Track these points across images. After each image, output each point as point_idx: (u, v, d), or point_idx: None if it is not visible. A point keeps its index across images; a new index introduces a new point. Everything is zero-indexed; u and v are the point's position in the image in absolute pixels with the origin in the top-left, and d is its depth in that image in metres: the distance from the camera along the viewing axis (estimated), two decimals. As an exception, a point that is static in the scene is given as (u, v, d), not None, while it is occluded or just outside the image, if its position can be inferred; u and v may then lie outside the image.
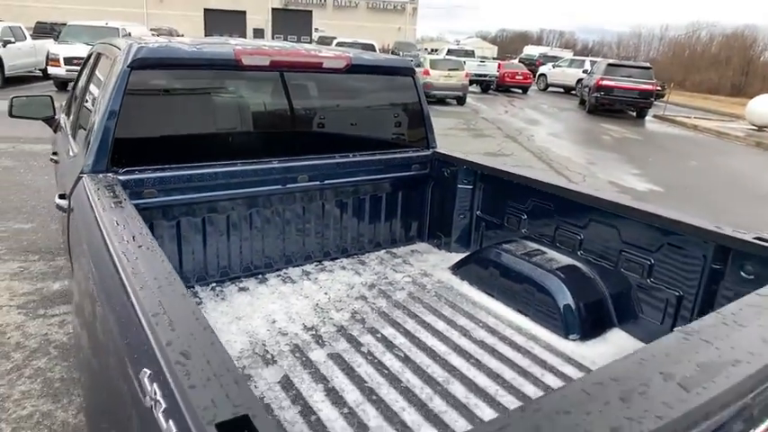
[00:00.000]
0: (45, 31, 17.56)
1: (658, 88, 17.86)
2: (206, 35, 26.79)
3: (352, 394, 1.68)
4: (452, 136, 10.50)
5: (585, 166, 8.76)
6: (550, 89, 24.28)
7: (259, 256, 2.50)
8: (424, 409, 1.64)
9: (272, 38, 28.65)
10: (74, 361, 2.57)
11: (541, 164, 8.62)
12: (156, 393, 0.79)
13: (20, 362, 2.58)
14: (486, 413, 1.63)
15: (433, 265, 2.73)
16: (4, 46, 12.38)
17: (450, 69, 15.70)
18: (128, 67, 2.00)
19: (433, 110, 12.81)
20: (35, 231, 4.23)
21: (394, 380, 1.76)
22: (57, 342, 2.76)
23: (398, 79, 2.81)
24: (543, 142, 10.68)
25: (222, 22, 29.64)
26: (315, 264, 2.67)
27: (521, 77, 21.52)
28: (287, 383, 1.72)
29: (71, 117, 2.97)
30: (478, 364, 1.88)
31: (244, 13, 31.46)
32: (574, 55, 31.77)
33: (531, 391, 1.74)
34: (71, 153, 2.38)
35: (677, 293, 1.91)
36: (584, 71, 20.52)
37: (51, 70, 12.13)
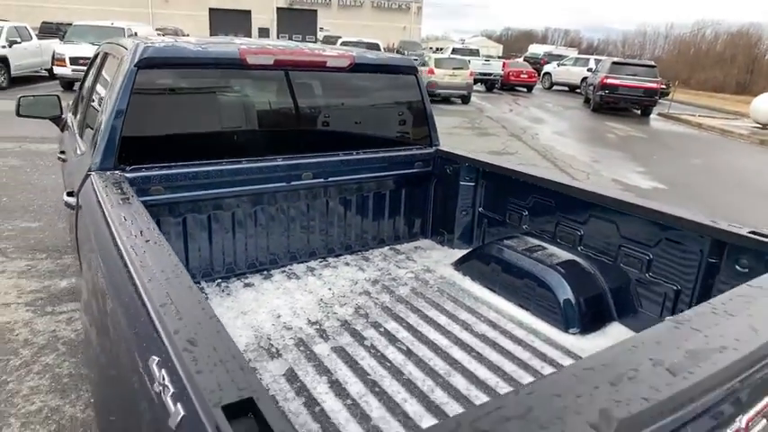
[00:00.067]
0: (51, 30, 17.66)
1: (663, 86, 17.81)
2: (211, 35, 26.89)
3: (355, 386, 1.71)
4: (457, 135, 10.52)
5: (590, 164, 8.76)
6: (555, 88, 24.22)
7: (264, 252, 2.53)
8: (426, 400, 1.66)
9: (277, 37, 28.73)
10: (82, 358, 2.61)
11: (546, 162, 8.62)
12: (164, 379, 0.82)
13: (28, 358, 2.62)
14: None
15: (436, 261, 2.76)
16: (10, 46, 12.48)
17: (454, 68, 15.70)
18: (135, 66, 2.03)
19: (437, 109, 12.78)
20: (42, 230, 4.28)
21: (396, 372, 1.79)
22: (64, 339, 2.80)
23: (401, 78, 2.84)
24: (548, 141, 10.68)
25: (227, 21, 29.76)
26: (319, 260, 2.70)
27: (525, 76, 21.48)
28: (291, 376, 1.75)
29: (78, 116, 3.01)
30: (479, 357, 1.90)
31: (249, 12, 31.58)
32: (579, 53, 31.68)
33: None
34: (79, 151, 2.42)
35: (675, 288, 1.93)
36: (589, 69, 20.48)
37: (57, 70, 12.22)
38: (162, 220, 2.18)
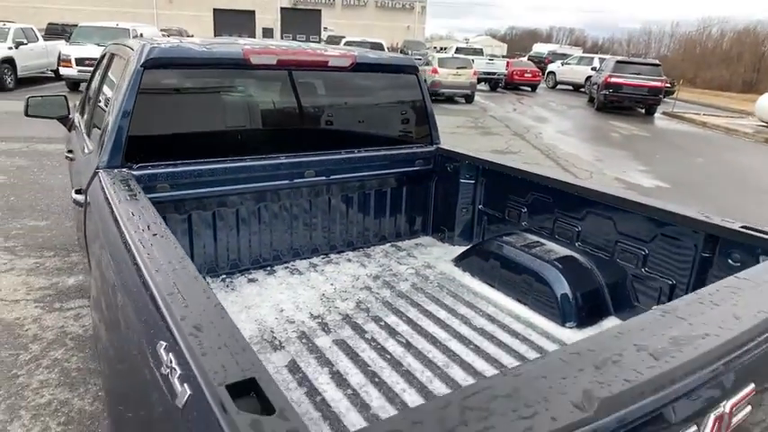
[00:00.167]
0: (57, 32, 17.79)
1: (667, 85, 17.74)
2: (215, 35, 27.00)
3: (355, 377, 1.75)
4: (460, 134, 10.55)
5: (593, 162, 8.77)
6: (559, 87, 24.19)
7: (267, 249, 2.58)
8: (425, 390, 1.71)
9: (281, 37, 28.81)
10: (91, 353, 2.66)
11: (549, 161, 8.64)
12: (171, 362, 0.86)
13: (38, 353, 2.68)
14: None
15: (437, 257, 2.80)
16: (17, 47, 12.60)
17: (458, 68, 15.71)
18: (141, 66, 2.08)
19: (441, 108, 12.72)
20: (49, 229, 4.34)
21: (396, 364, 1.84)
22: (73, 334, 2.86)
23: (403, 77, 2.88)
24: (551, 140, 10.69)
25: (231, 21, 29.88)
26: (321, 256, 2.74)
27: (529, 75, 21.47)
28: (294, 367, 1.80)
29: (85, 116, 3.07)
30: (477, 350, 1.94)
31: (253, 12, 31.70)
32: (583, 52, 31.59)
33: None
34: (86, 150, 2.47)
35: (670, 282, 1.96)
36: (593, 68, 20.44)
37: (63, 71, 12.32)
38: (168, 217, 2.23)
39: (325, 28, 31.30)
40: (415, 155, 2.92)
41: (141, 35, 12.27)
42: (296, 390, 1.67)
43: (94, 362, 2.58)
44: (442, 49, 26.78)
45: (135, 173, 2.05)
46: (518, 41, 64.08)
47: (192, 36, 20.11)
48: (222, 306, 1.00)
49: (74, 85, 12.22)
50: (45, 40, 14.50)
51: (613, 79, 15.33)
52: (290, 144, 2.55)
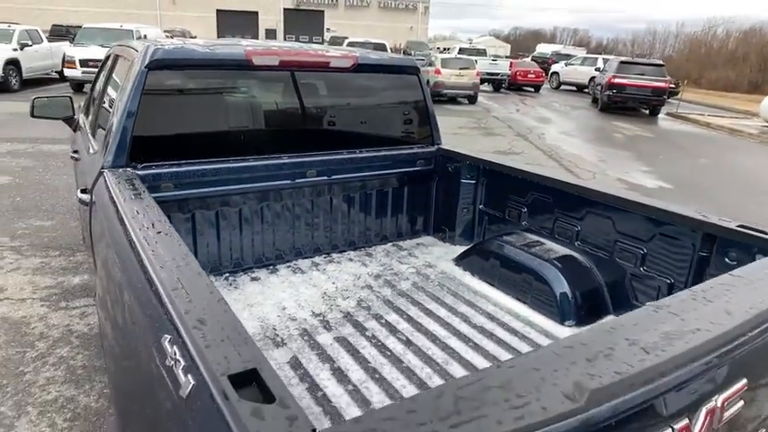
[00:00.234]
0: (61, 33, 17.92)
1: (672, 86, 17.70)
2: (218, 36, 27.10)
3: (356, 373, 1.78)
4: (463, 135, 10.56)
5: (596, 163, 8.77)
6: (563, 87, 24.16)
7: (270, 248, 2.61)
8: (424, 386, 1.73)
9: (285, 38, 28.87)
10: (96, 350, 2.70)
11: (552, 162, 8.64)
12: (175, 354, 0.89)
13: (44, 350, 2.72)
14: None
15: (438, 257, 2.82)
16: (22, 49, 12.70)
17: (461, 68, 15.72)
18: (145, 67, 2.11)
19: (444, 109, 12.75)
20: (55, 229, 4.39)
21: (396, 361, 1.86)
22: (78, 332, 2.90)
23: (404, 78, 2.90)
24: (554, 140, 10.69)
25: (234, 22, 29.95)
26: (323, 256, 2.77)
27: (533, 76, 21.46)
28: (295, 363, 1.82)
29: (90, 116, 3.11)
30: (476, 347, 1.97)
31: (256, 13, 31.76)
32: (587, 53, 31.55)
33: None
34: (92, 150, 2.51)
35: (668, 281, 1.98)
36: (597, 69, 20.41)
37: (67, 72, 12.42)
38: (171, 216, 2.26)
39: (328, 29, 31.33)
40: (416, 155, 2.94)
41: (145, 36, 12.35)
42: (298, 385, 1.70)
43: (99, 359, 2.61)
44: (445, 49, 26.81)
45: (139, 172, 2.08)
46: (522, 42, 64.03)
47: (196, 37, 20.21)
48: (225, 300, 1.02)
49: (78, 86, 12.31)
50: (49, 41, 14.61)
51: (617, 80, 15.31)
52: (293, 144, 2.57)
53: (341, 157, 2.68)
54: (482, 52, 21.57)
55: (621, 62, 16.24)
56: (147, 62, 2.12)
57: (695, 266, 1.88)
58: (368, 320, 2.13)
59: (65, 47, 13.79)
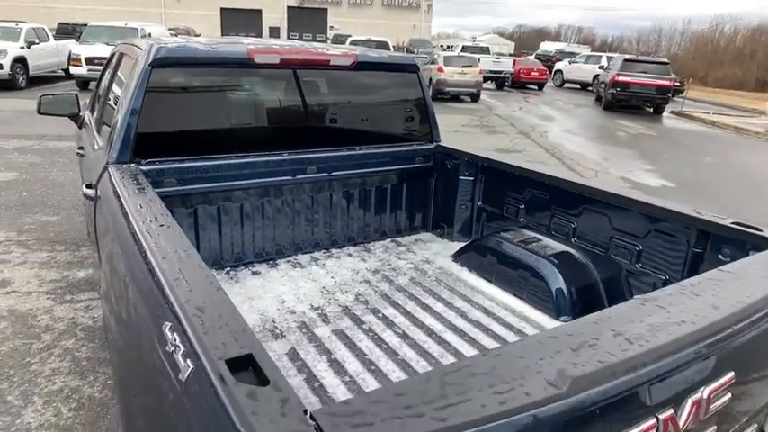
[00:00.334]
0: (67, 31, 18.01)
1: (676, 84, 17.63)
2: (222, 34, 27.17)
3: (353, 365, 1.82)
4: (465, 132, 10.58)
5: (599, 162, 8.77)
6: (567, 85, 24.10)
7: (271, 243, 2.65)
8: None
9: (288, 36, 28.90)
10: (101, 343, 2.75)
11: (554, 160, 8.65)
12: (176, 340, 0.93)
13: (50, 342, 2.77)
14: None
15: (436, 253, 2.85)
16: (29, 47, 12.79)
17: (463, 66, 15.71)
18: (149, 65, 2.15)
19: (446, 107, 12.75)
20: (60, 224, 4.45)
21: (392, 353, 1.90)
22: (83, 325, 2.96)
23: (403, 76, 2.93)
24: (557, 139, 10.69)
25: (238, 20, 30.04)
26: (323, 251, 2.81)
27: (536, 74, 21.42)
28: (294, 355, 1.86)
29: (95, 113, 3.16)
30: (472, 341, 2.00)
31: (260, 11, 31.83)
32: (592, 51, 31.40)
33: None
34: (96, 146, 2.56)
35: (663, 277, 2.00)
36: (601, 67, 20.35)
37: (73, 70, 12.49)
38: (174, 211, 2.30)
39: (332, 27, 31.38)
40: (415, 152, 2.97)
41: (149, 35, 12.41)
42: (295, 376, 1.74)
43: (104, 351, 2.67)
44: (448, 47, 26.77)
45: (143, 168, 2.12)
46: (526, 40, 63.77)
47: (200, 35, 20.28)
48: (224, 290, 1.06)
49: (83, 83, 12.39)
50: (56, 39, 14.70)
51: (621, 78, 15.26)
52: (293, 141, 2.61)
53: (341, 153, 2.71)
54: (485, 50, 21.54)
55: (625, 60, 16.18)
56: (150, 60, 2.16)
57: (689, 263, 1.90)
58: (365, 314, 2.17)
59: (71, 45, 13.89)
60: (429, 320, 2.14)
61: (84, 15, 23.40)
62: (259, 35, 29.77)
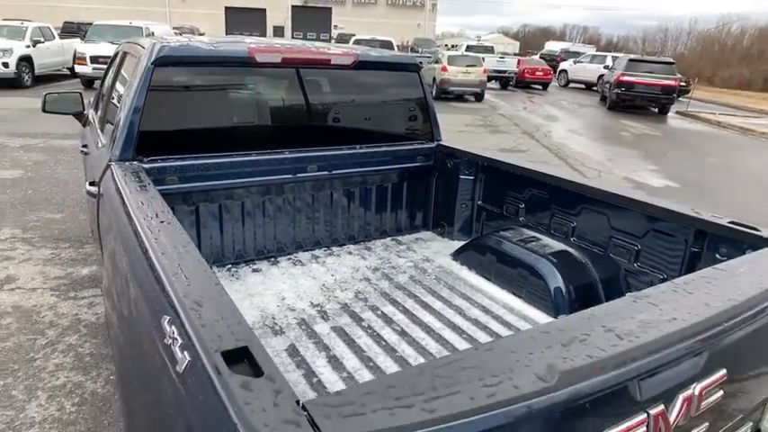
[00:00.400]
0: (72, 30, 18.13)
1: (682, 84, 17.54)
2: (227, 33, 27.24)
3: (351, 361, 1.83)
4: (469, 132, 10.57)
5: (602, 162, 8.75)
6: (571, 85, 24.02)
7: (271, 241, 2.67)
8: None
9: (292, 35, 28.94)
10: (103, 339, 2.78)
11: (557, 160, 8.63)
12: (174, 333, 0.95)
13: (53, 338, 2.80)
14: None
15: (436, 251, 2.87)
16: (35, 46, 12.88)
17: (468, 65, 15.69)
18: (151, 64, 2.18)
19: (450, 106, 12.71)
20: (64, 221, 4.49)
21: (390, 350, 1.91)
22: (86, 321, 2.99)
23: (404, 75, 2.95)
24: (560, 138, 10.67)
25: (243, 20, 30.12)
26: (323, 249, 2.83)
27: (540, 73, 21.37)
28: (293, 351, 1.88)
29: (99, 112, 3.18)
30: (470, 339, 2.01)
31: (264, 10, 31.88)
32: (597, 50, 31.29)
33: None
34: (100, 144, 2.58)
35: (661, 276, 2.01)
36: (606, 67, 20.28)
37: (78, 69, 12.59)
38: (176, 209, 2.33)
39: (336, 26, 31.41)
40: (416, 151, 2.98)
41: (152, 33, 12.47)
42: (294, 372, 1.76)
43: (106, 348, 2.69)
44: (452, 46, 26.74)
45: (145, 166, 2.15)
46: (531, 39, 63.62)
47: (204, 34, 20.35)
48: (222, 285, 1.08)
49: (88, 82, 12.47)
50: (61, 38, 14.79)
51: (626, 78, 15.20)
52: (294, 139, 2.63)
53: (342, 152, 2.73)
54: (489, 49, 21.51)
55: (630, 60, 16.11)
56: (153, 59, 2.18)
57: (687, 262, 1.91)
58: (364, 311, 2.19)
59: (76, 43, 13.97)
60: (428, 318, 2.15)
61: (90, 14, 23.51)
62: (263, 34, 29.85)
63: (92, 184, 2.29)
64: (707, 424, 1.18)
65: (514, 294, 2.36)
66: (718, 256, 1.78)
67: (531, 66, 21.62)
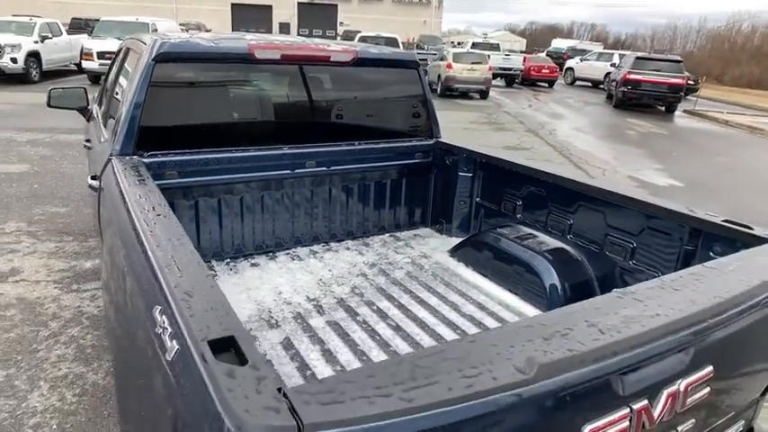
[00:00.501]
0: (80, 26, 18.22)
1: (689, 82, 17.41)
2: (233, 30, 27.29)
3: (345, 355, 1.85)
4: (473, 129, 10.55)
5: (607, 160, 8.71)
6: (578, 83, 23.91)
7: (270, 236, 2.70)
8: None
9: (298, 32, 28.96)
10: (103, 331, 2.82)
11: (561, 158, 8.61)
12: (164, 322, 0.98)
13: (56, 330, 2.85)
14: None
15: (433, 248, 2.88)
16: (42, 41, 12.98)
17: (473, 63, 15.65)
18: (152, 60, 2.20)
19: (454, 103, 12.68)
20: (69, 215, 4.54)
21: (384, 345, 1.93)
22: (88, 314, 3.03)
23: (404, 72, 2.96)
24: (565, 137, 10.63)
25: (249, 16, 30.16)
26: (322, 244, 2.85)
27: (546, 71, 21.28)
28: (288, 344, 1.91)
29: (102, 107, 3.22)
30: (464, 335, 2.03)
31: (270, 7, 31.89)
32: (605, 48, 31.07)
33: None
34: (102, 139, 2.62)
35: (656, 275, 2.01)
36: (613, 65, 20.15)
37: (85, 64, 12.68)
38: (176, 203, 2.36)
39: (342, 23, 31.37)
40: (414, 148, 3.00)
41: (156, 30, 12.53)
42: (288, 364, 1.78)
43: (107, 340, 2.73)
44: (458, 44, 26.65)
45: (145, 160, 2.17)
46: (538, 37, 63.31)
47: (210, 30, 20.40)
48: (212, 276, 1.11)
49: (95, 77, 12.54)
50: (69, 34, 14.89)
51: (632, 76, 15.11)
52: (293, 135, 2.65)
53: (341, 148, 2.75)
54: (495, 47, 21.43)
55: (637, 58, 16.02)
56: (154, 55, 2.21)
57: (681, 260, 1.91)
58: (360, 306, 2.21)
59: (83, 39, 14.06)
60: (423, 314, 2.17)
61: (97, 10, 23.62)
62: (269, 31, 29.91)
63: (93, 178, 2.32)
64: (693, 420, 1.19)
65: (510, 291, 2.37)
66: (712, 254, 1.78)
67: (537, 63, 21.54)
